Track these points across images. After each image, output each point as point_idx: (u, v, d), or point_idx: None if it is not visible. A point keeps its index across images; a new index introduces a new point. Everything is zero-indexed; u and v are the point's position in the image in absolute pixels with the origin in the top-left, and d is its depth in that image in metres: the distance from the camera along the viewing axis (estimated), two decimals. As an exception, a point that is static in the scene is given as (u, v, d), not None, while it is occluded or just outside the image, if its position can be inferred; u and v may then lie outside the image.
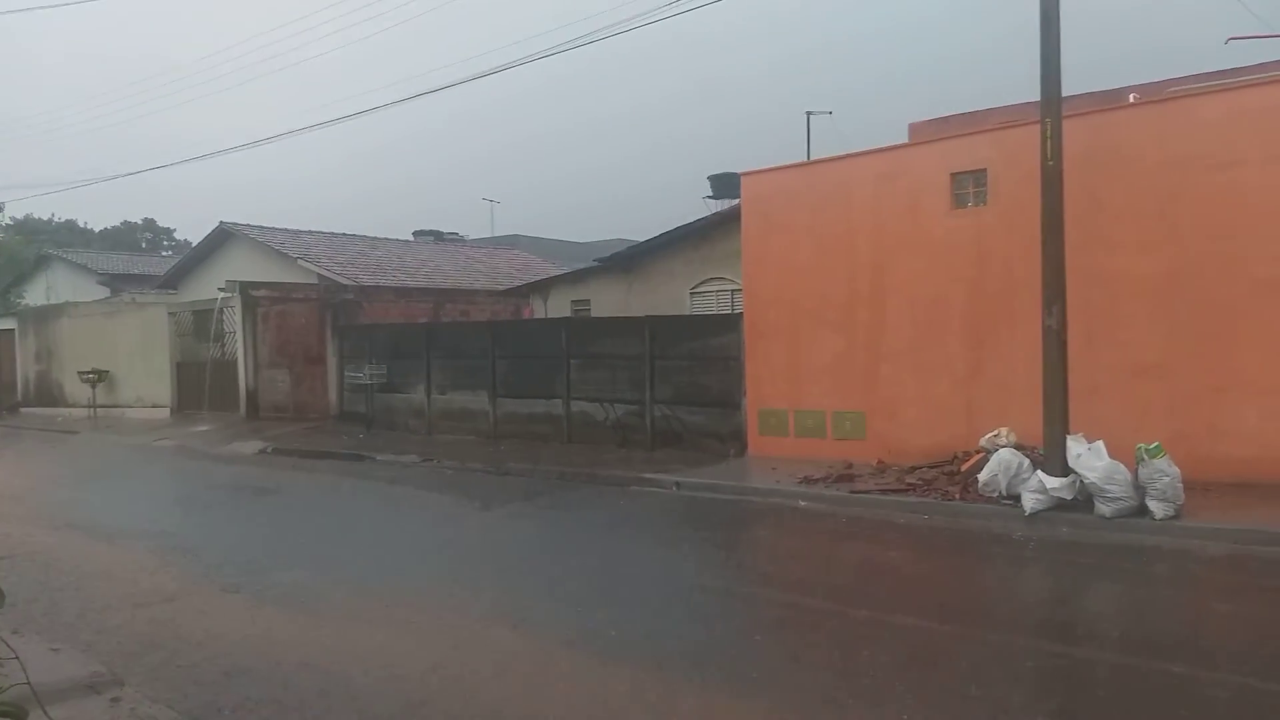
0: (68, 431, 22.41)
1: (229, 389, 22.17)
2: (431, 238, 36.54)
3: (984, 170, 11.69)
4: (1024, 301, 10.71)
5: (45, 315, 29.41)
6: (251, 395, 21.77)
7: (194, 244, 31.21)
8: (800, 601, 6.94)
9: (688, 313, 17.60)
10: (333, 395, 20.67)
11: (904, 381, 12.36)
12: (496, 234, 46.78)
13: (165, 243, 66.38)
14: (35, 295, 35.66)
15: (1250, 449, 9.81)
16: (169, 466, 16.28)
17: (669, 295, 18.25)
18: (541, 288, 22.44)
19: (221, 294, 22.08)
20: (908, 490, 10.51)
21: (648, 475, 12.42)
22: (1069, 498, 9.08)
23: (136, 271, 36.47)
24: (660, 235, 18.62)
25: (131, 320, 25.79)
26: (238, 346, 21.94)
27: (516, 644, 6.01)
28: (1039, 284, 9.62)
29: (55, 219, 62.62)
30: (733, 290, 16.76)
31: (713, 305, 17.58)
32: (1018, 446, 9.96)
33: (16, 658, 3.01)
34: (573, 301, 21.03)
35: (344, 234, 29.43)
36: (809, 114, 27.86)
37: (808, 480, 11.28)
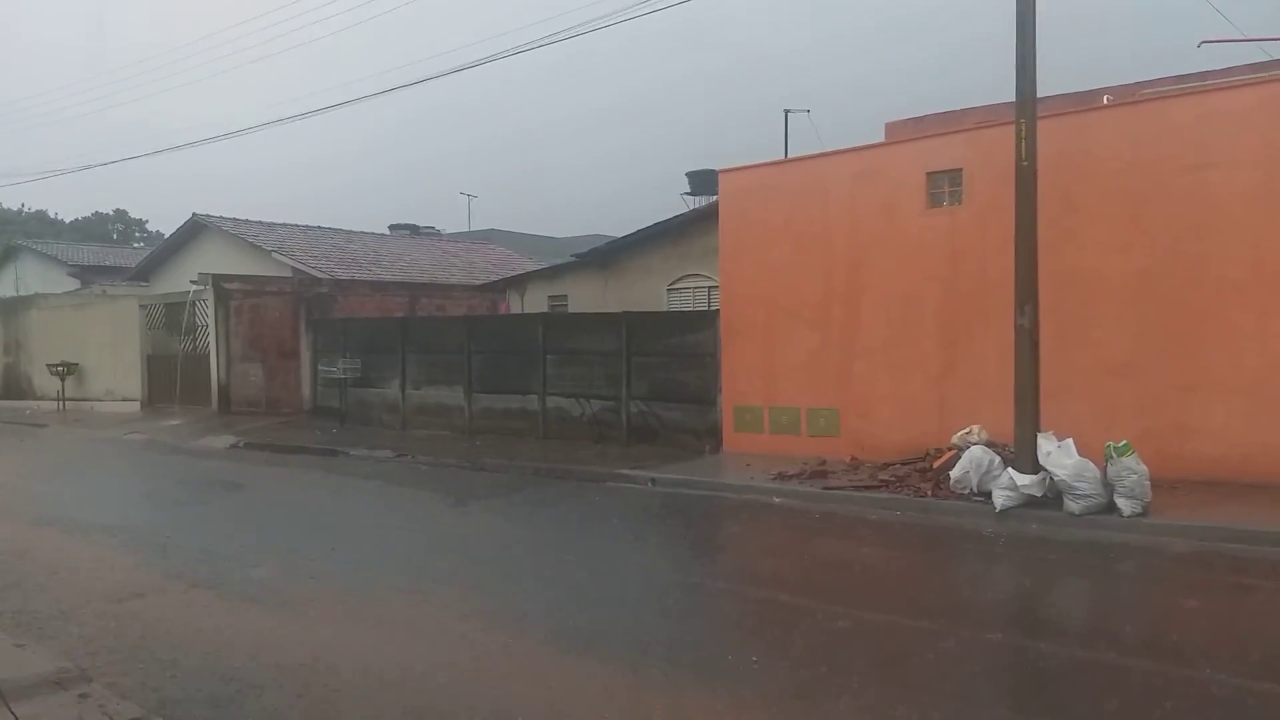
0: (36, 425, 22.10)
1: (201, 383, 21.94)
2: (408, 232, 36.33)
3: (959, 170, 11.78)
4: (997, 301, 10.81)
5: (13, 307, 28.96)
6: (224, 389, 21.56)
7: (166, 236, 30.86)
8: (773, 597, 6.97)
9: (665, 309, 17.63)
10: (306, 390, 20.53)
11: (878, 379, 12.44)
12: (473, 228, 46.59)
13: (137, 234, 65.64)
14: (4, 287, 35.14)
15: (1217, 447, 9.96)
16: (139, 461, 16.10)
17: (646, 291, 18.26)
18: (518, 283, 22.40)
19: (194, 287, 21.84)
20: (880, 487, 10.58)
21: (623, 471, 12.43)
22: (1039, 495, 9.18)
23: (108, 263, 36.01)
24: (638, 231, 18.64)
25: (102, 313, 25.46)
26: (210, 340, 21.72)
27: (489, 640, 5.99)
28: (1012, 283, 9.70)
29: (25, 209, 61.84)
30: (710, 287, 16.80)
31: (689, 302, 17.61)
32: (989, 444, 10.05)
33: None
34: (550, 297, 21.01)
35: (319, 227, 29.19)
36: (787, 112, 27.87)
37: (782, 476, 11.33)
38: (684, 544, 9.27)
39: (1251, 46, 14.54)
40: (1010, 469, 9.42)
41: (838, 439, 12.70)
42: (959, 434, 10.51)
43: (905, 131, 15.40)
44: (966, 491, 9.74)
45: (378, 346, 19.09)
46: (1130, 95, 12.74)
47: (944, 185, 11.97)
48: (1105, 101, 12.25)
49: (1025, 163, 9.51)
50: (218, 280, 21.42)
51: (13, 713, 4.26)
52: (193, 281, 21.94)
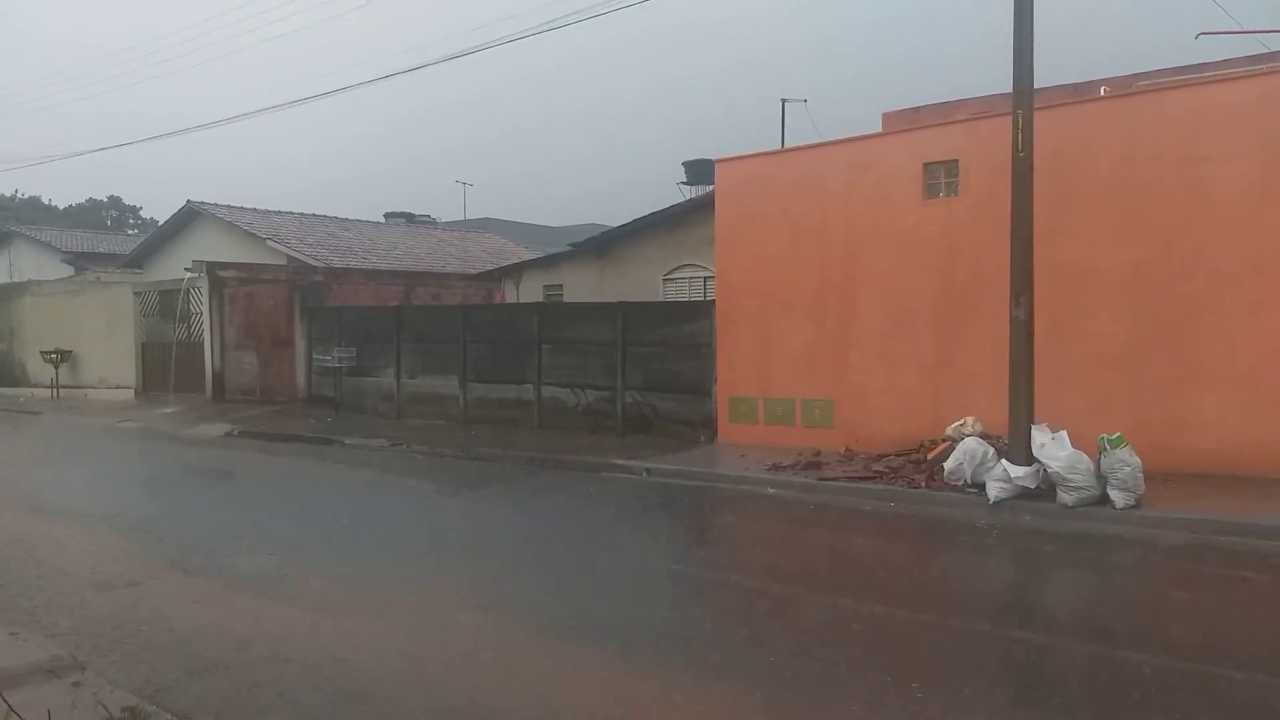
0: (30, 412, 22.04)
1: (195, 371, 21.89)
2: (403, 220, 36.20)
3: (956, 161, 11.77)
4: (992, 292, 10.81)
5: (7, 294, 28.84)
6: (218, 377, 21.52)
7: (160, 223, 30.74)
8: (766, 587, 6.99)
9: (660, 299, 17.60)
10: (301, 378, 20.50)
11: (873, 370, 12.45)
12: (469, 217, 46.50)
13: (131, 221, 65.40)
14: (-3, 273, 35.00)
15: (1210, 440, 9.99)
16: (133, 449, 16.07)
17: (642, 281, 18.23)
18: (514, 272, 22.34)
19: (188, 274, 21.76)
20: (874, 478, 10.60)
21: (618, 461, 12.43)
22: (1032, 486, 9.20)
23: (101, 250, 35.90)
24: (634, 221, 18.59)
25: (96, 300, 25.38)
26: (204, 328, 21.65)
27: (483, 629, 6.00)
28: (1007, 275, 9.70)
29: (19, 195, 61.55)
30: (705, 277, 16.78)
31: (685, 292, 17.59)
32: (983, 436, 10.07)
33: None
34: (545, 286, 20.97)
35: (314, 215, 29.09)
36: (784, 102, 27.80)
37: (776, 467, 11.35)
38: (678, 534, 9.28)
39: (1250, 39, 14.50)
40: (1004, 461, 9.44)
41: (832, 430, 12.72)
42: (953, 425, 10.52)
43: (902, 122, 15.36)
44: (960, 483, 9.76)
45: (373, 335, 19.05)
46: (1127, 87, 12.73)
47: (940, 176, 11.95)
48: (1102, 93, 12.23)
49: (1021, 154, 9.49)
50: (212, 268, 21.34)
51: (6, 701, 4.26)
52: (187, 269, 21.86)
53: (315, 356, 20.13)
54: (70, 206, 64.87)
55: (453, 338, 17.51)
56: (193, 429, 17.69)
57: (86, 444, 16.77)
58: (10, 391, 26.42)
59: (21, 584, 7.08)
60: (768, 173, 13.56)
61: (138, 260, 29.03)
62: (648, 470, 11.95)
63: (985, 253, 11.16)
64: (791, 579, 7.22)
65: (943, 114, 14.84)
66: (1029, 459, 9.28)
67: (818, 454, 12.07)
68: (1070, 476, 8.89)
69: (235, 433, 17.06)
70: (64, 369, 24.99)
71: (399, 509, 10.65)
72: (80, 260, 33.69)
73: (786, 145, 19.37)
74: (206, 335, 21.57)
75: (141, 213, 66.77)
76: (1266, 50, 14.17)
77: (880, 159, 12.47)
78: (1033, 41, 9.52)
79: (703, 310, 14.47)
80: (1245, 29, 14.23)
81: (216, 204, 26.39)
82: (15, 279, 32.00)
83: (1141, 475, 8.79)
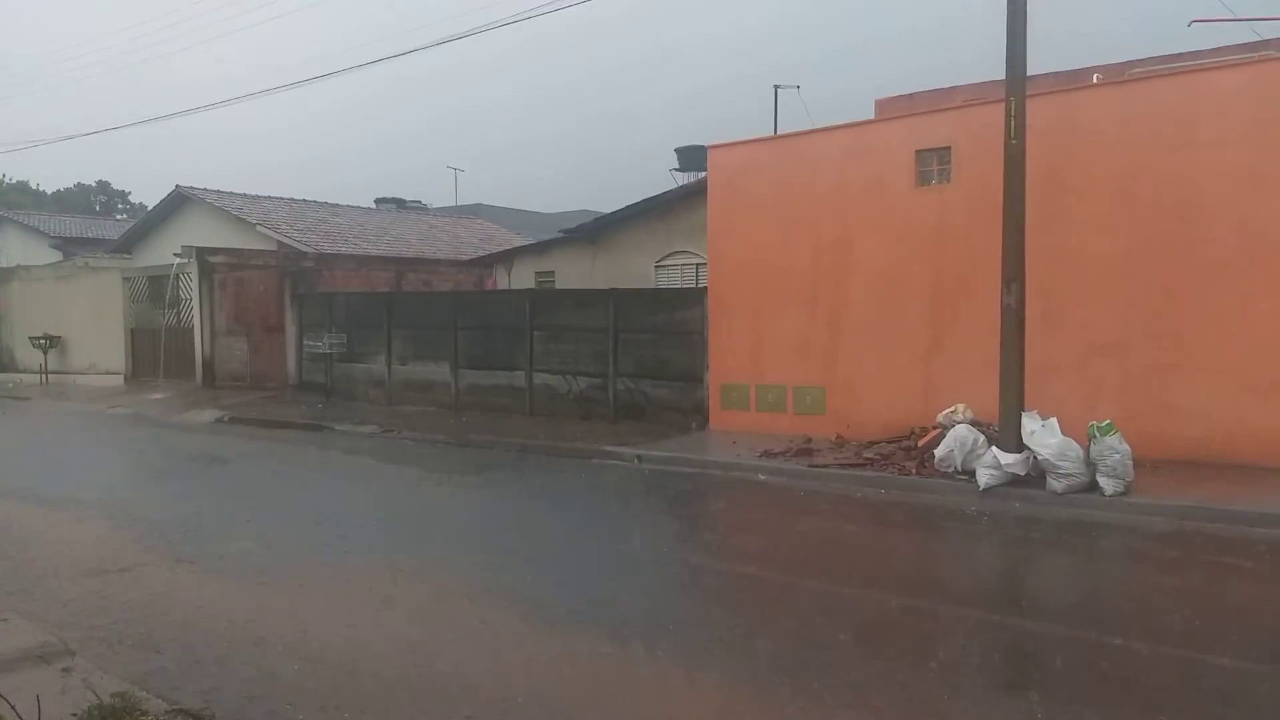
0: (18, 398, 21.92)
1: (185, 356, 21.80)
2: (394, 206, 36.07)
3: (948, 148, 11.75)
4: (984, 279, 10.83)
5: (-5, 278, 28.68)
6: (208, 363, 21.43)
7: (150, 208, 30.53)
8: (757, 574, 7.00)
9: (653, 286, 17.57)
10: (291, 364, 20.42)
11: (864, 358, 12.46)
12: (460, 203, 46.33)
13: (120, 206, 65.01)
14: (-15, 258, 34.74)
15: (1200, 427, 10.03)
16: (123, 435, 16.01)
17: (634, 268, 18.19)
18: (505, 258, 22.28)
19: (177, 259, 21.63)
20: (865, 465, 10.63)
21: (609, 448, 12.43)
22: (1022, 473, 9.24)
23: (90, 235, 35.65)
24: (626, 207, 18.53)
25: (85, 285, 25.23)
26: (194, 313, 21.55)
27: (474, 615, 6.01)
28: (999, 262, 9.71)
29: (6, 180, 61.05)
30: (698, 264, 16.75)
31: (678, 279, 17.56)
32: (974, 423, 10.10)
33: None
34: (537, 273, 20.92)
35: (304, 200, 28.93)
36: (776, 87, 27.76)
37: (768, 454, 11.37)
38: (669, 521, 9.29)
39: (1242, 26, 14.54)
40: (994, 448, 9.47)
41: (824, 417, 12.74)
42: (944, 413, 10.55)
43: (896, 108, 15.34)
44: (951, 470, 9.79)
45: (363, 321, 18.99)
46: (1120, 75, 12.72)
47: (933, 163, 11.94)
48: (1095, 81, 12.22)
49: (1014, 141, 9.49)
50: (201, 253, 21.22)
51: (-6, 687, 4.25)
52: (176, 254, 21.72)
53: (306, 342, 20.06)
54: (59, 191, 64.41)
55: (444, 324, 17.46)
56: (182, 415, 17.63)
57: (75, 430, 16.70)
58: (-1, 377, 26.30)
59: (10, 570, 7.05)
60: (760, 159, 13.53)
61: (127, 245, 28.85)
62: (639, 457, 11.96)
63: (977, 240, 11.17)
64: (783, 565, 7.23)
65: (936, 101, 14.85)
66: (1019, 446, 9.31)
67: (809, 441, 12.09)
68: (1060, 463, 8.92)
69: (225, 419, 17.00)
70: (53, 355, 24.86)
71: (389, 496, 10.64)
72: (69, 245, 33.47)
73: (779, 131, 19.34)
74: (196, 321, 21.47)
75: (130, 197, 66.39)
76: (1259, 38, 14.20)
77: (873, 146, 12.45)
78: (1025, 29, 9.50)
79: (695, 297, 14.45)
80: (1237, 16, 14.24)
81: (206, 189, 26.23)
82: (4, 264, 31.76)
83: (1131, 462, 8.83)
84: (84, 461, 13.33)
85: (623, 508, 9.85)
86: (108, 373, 23.86)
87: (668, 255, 17.78)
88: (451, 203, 45.91)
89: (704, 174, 15.07)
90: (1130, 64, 14.21)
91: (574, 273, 19.78)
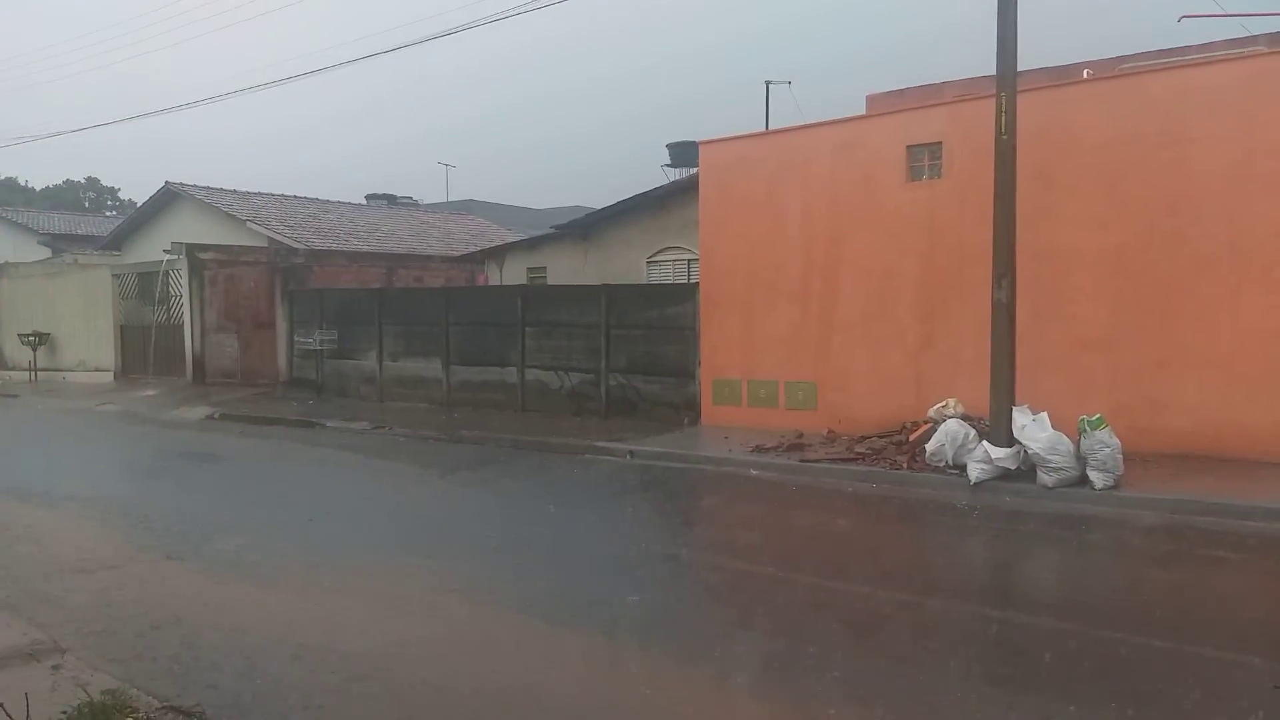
0: (7, 395, 21.82)
1: (175, 353, 21.73)
2: (385, 202, 35.94)
3: (939, 143, 11.77)
4: (975, 275, 10.85)
5: (-17, 276, 28.52)
6: (198, 360, 21.36)
7: (139, 204, 30.40)
8: (749, 568, 7.01)
9: (644, 282, 17.56)
10: (282, 361, 20.36)
11: (855, 353, 12.48)
12: (452, 199, 46.21)
13: (109, 202, 64.74)
14: (-27, 255, 34.52)
15: (1189, 422, 10.08)
16: (112, 432, 15.95)
17: (626, 264, 18.19)
18: (497, 254, 22.23)
19: (167, 256, 21.55)
20: (857, 459, 10.65)
21: (602, 444, 12.43)
22: (1013, 468, 9.27)
23: (79, 232, 35.47)
24: (618, 203, 18.51)
25: (74, 282, 25.12)
26: (184, 310, 21.48)
27: (467, 612, 6.01)
28: (990, 257, 9.72)
29: (-6, 176, 60.67)
30: (689, 260, 16.75)
31: (669, 275, 17.56)
32: (965, 417, 10.13)
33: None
34: (528, 269, 20.88)
35: (294, 196, 28.83)
36: (768, 84, 27.75)
37: (759, 449, 11.38)
38: (661, 516, 9.30)
39: (1232, 22, 14.61)
40: (985, 442, 9.50)
41: (815, 412, 12.76)
42: (935, 407, 10.58)
43: (886, 104, 15.35)
44: (942, 464, 9.82)
45: (354, 318, 18.93)
46: (1110, 70, 12.76)
47: (924, 159, 11.96)
48: (1085, 76, 12.25)
49: (1005, 136, 9.50)
50: (191, 249, 21.14)
51: (-17, 685, 4.23)
52: (166, 251, 21.65)
53: (297, 339, 20.00)
54: (48, 188, 64.10)
55: (435, 320, 17.43)
56: (173, 412, 17.57)
57: (65, 428, 16.63)
58: (-13, 374, 26.16)
59: (0, 568, 7.03)
60: (752, 155, 13.53)
61: (116, 242, 28.72)
62: (631, 453, 11.96)
63: (968, 235, 11.19)
64: (774, 560, 7.24)
65: (926, 96, 14.84)
66: (1010, 440, 9.34)
67: (801, 436, 12.11)
68: (1050, 458, 8.96)
69: (216, 416, 16.95)
70: (42, 352, 24.76)
71: (380, 492, 10.62)
72: (58, 242, 33.28)
73: (770, 127, 19.34)
74: (186, 318, 21.40)
75: (120, 194, 66.10)
76: (1248, 33, 14.24)
77: (864, 141, 12.46)
78: (1016, 25, 9.51)
79: (686, 293, 14.45)
80: (1226, 12, 14.28)
81: (196, 185, 26.12)
82: (-8, 261, 31.59)
83: (1121, 456, 8.86)
84: (73, 459, 13.27)
85: (615, 503, 9.85)
86: (97, 370, 23.76)
87: (659, 251, 17.77)
88: (443, 199, 45.81)
89: (696, 170, 15.06)
90: (1121, 59, 14.24)
91: (566, 269, 19.76)
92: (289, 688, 4.77)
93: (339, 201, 30.78)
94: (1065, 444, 8.99)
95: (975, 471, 9.33)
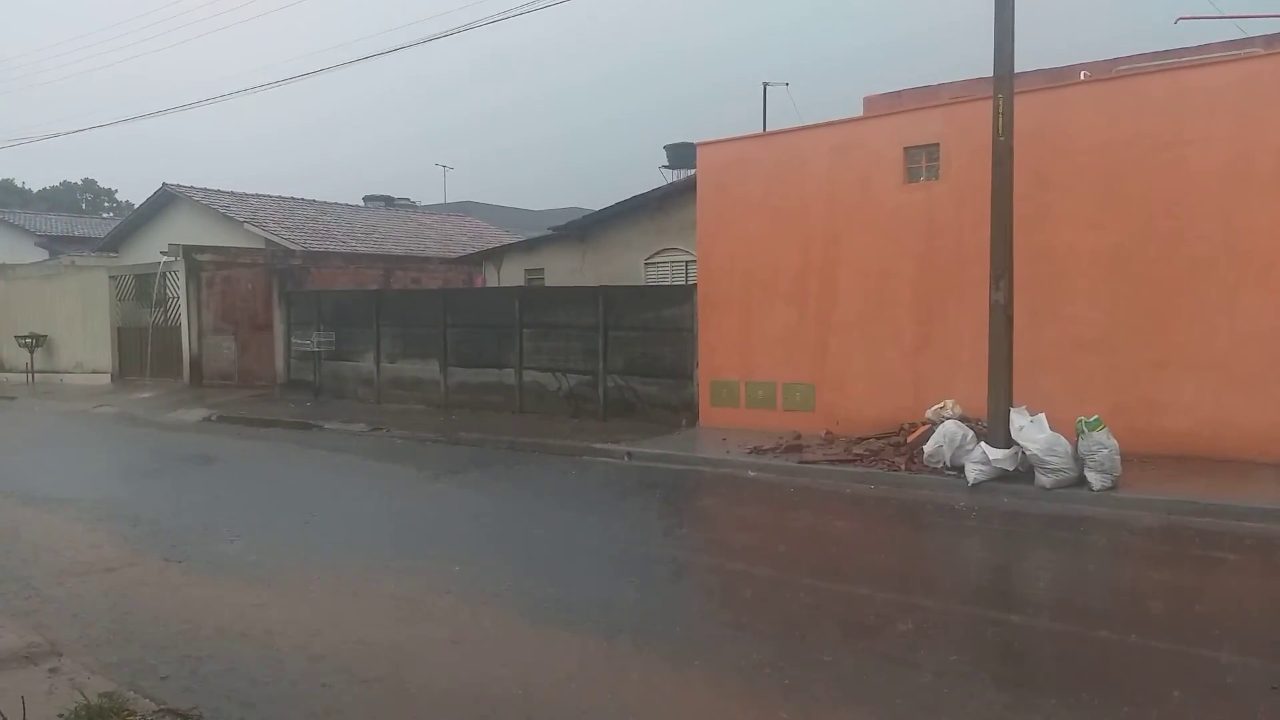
0: (4, 398, 21.77)
1: (172, 355, 21.70)
2: (382, 204, 35.95)
3: (936, 145, 11.78)
4: (972, 276, 10.86)
5: (-20, 277, 28.47)
6: (195, 362, 21.33)
7: (136, 206, 30.37)
8: (747, 570, 7.01)
9: (642, 283, 17.55)
10: (279, 363, 20.34)
11: (853, 354, 12.48)
12: (450, 201, 46.20)
13: (106, 204, 64.67)
14: (-31, 257, 34.47)
15: (1186, 422, 10.09)
16: (110, 434, 15.92)
17: (624, 265, 18.18)
18: (495, 256, 22.23)
19: (164, 258, 21.52)
20: (855, 461, 10.65)
21: (599, 445, 12.43)
22: (1011, 469, 9.27)
23: (76, 233, 35.47)
24: (616, 205, 18.51)
25: (71, 284, 25.08)
26: (181, 312, 21.45)
27: (465, 613, 6.00)
28: (987, 259, 9.74)
29: (-9, 178, 60.60)
30: (687, 261, 16.74)
31: (667, 276, 17.56)
32: (963, 419, 10.13)
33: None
34: (526, 270, 20.87)
35: (292, 198, 28.83)
36: (765, 85, 27.77)
37: (757, 450, 11.38)
38: (659, 518, 9.30)
39: (1228, 24, 14.61)
40: (983, 443, 9.50)
41: (813, 414, 12.76)
42: (933, 409, 10.57)
43: (883, 106, 15.36)
44: (940, 466, 9.82)
45: (352, 319, 18.92)
46: (1107, 72, 12.78)
47: (921, 160, 11.96)
48: (1082, 78, 12.26)
49: (1002, 138, 9.51)
50: (188, 251, 21.12)
51: (-20, 688, 4.22)
52: (163, 252, 21.63)
53: (294, 341, 19.97)
54: (44, 189, 64.04)
55: (433, 322, 17.42)
56: (170, 414, 17.54)
57: (62, 430, 16.60)
58: (-16, 377, 26.11)
59: (-4, 570, 7.01)
60: (749, 156, 13.53)
61: (113, 244, 28.70)
62: (629, 454, 11.96)
63: (965, 236, 11.21)
64: (772, 561, 7.23)
65: (924, 98, 14.87)
66: (1008, 442, 9.34)
67: (798, 437, 12.11)
68: (1048, 459, 8.96)
69: (213, 418, 16.93)
70: (39, 354, 24.71)
71: (379, 494, 10.61)
72: (55, 244, 33.27)
73: (768, 128, 19.35)
74: (184, 319, 21.38)
75: (117, 195, 66.05)
76: (1244, 35, 14.27)
77: (861, 143, 12.46)
78: (1013, 26, 9.53)
79: (684, 294, 14.45)
80: (1223, 14, 14.30)
81: (193, 187, 26.11)
82: (-12, 263, 31.54)
83: (1118, 457, 8.87)
84: (70, 461, 13.24)
85: (613, 505, 9.84)
86: (94, 372, 23.73)
87: (657, 252, 17.77)
88: (440, 201, 45.80)
89: (693, 171, 15.07)
90: (1117, 61, 14.26)
91: (563, 270, 19.75)
92: (287, 689, 4.77)
93: (336, 203, 30.78)
94: (1063, 445, 9.00)
95: (973, 473, 9.34)
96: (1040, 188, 10.68)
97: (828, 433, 12.35)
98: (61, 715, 4.15)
